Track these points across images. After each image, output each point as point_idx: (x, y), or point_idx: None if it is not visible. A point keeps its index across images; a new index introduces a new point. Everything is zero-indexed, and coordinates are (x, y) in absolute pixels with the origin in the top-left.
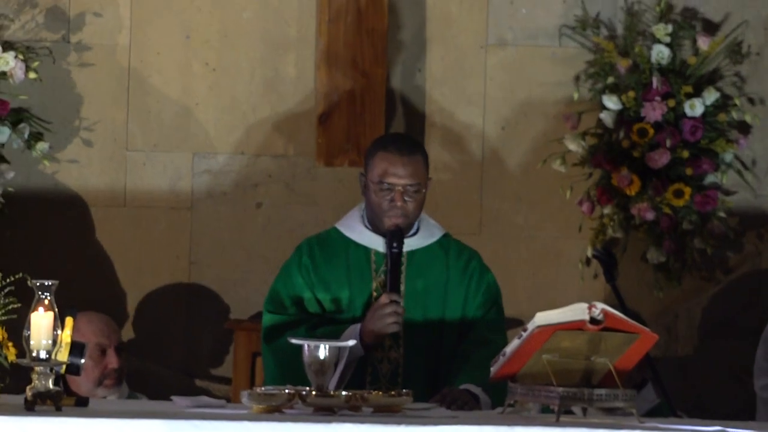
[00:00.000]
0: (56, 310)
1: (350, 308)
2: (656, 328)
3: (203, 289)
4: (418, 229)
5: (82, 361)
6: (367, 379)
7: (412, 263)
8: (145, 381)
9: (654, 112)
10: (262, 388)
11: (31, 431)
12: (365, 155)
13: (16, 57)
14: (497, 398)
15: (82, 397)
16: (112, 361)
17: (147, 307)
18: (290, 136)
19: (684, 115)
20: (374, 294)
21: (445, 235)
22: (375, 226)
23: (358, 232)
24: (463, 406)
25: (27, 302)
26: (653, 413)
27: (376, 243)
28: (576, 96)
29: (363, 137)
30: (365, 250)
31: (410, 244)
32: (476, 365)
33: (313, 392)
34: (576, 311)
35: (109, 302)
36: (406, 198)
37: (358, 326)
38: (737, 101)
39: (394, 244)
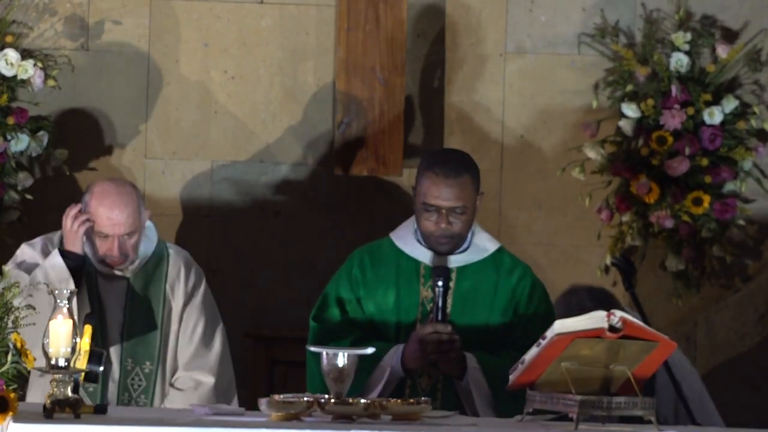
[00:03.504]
0: (75, 318)
1: (396, 317)
2: (675, 336)
3: (222, 296)
4: (469, 245)
5: (101, 368)
6: (406, 392)
7: (462, 279)
8: None
9: (673, 119)
10: (281, 396)
11: None
12: (417, 171)
13: (35, 65)
14: (498, 386)
15: (100, 404)
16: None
17: None
18: (309, 144)
19: (703, 123)
20: (420, 307)
21: (499, 249)
22: (424, 240)
23: (410, 244)
24: (442, 358)
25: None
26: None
27: (426, 256)
28: (595, 104)
29: (382, 145)
30: (415, 262)
31: (460, 260)
32: (498, 353)
33: (332, 400)
34: (595, 319)
35: None
36: (451, 219)
37: (400, 348)
38: (756, 109)
39: (440, 283)
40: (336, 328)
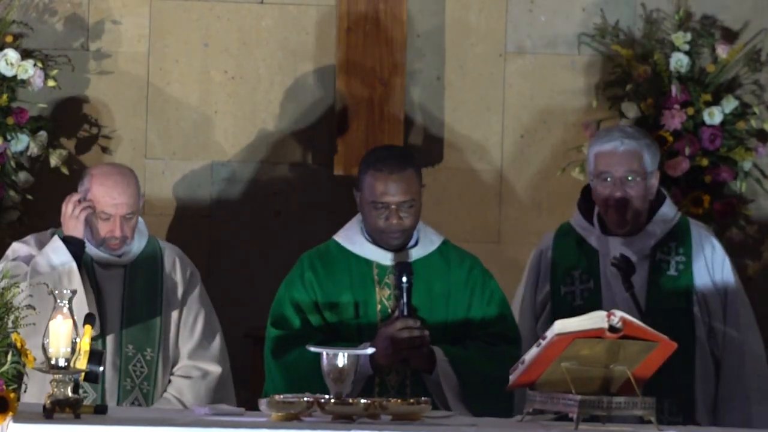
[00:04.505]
0: (75, 318)
1: (355, 319)
2: None
3: (222, 296)
4: (417, 240)
5: (101, 369)
6: (375, 390)
7: (416, 273)
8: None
9: (673, 120)
10: (281, 396)
11: None
12: (358, 172)
13: (35, 65)
14: (470, 380)
15: (100, 405)
16: (115, 229)
17: None
18: (309, 144)
19: (703, 123)
20: (379, 306)
21: (444, 242)
22: (374, 239)
23: (358, 244)
24: (414, 354)
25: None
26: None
27: (377, 255)
28: (595, 104)
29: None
30: (367, 263)
31: (417, 254)
32: (463, 345)
33: (332, 400)
34: (595, 319)
35: None
36: (401, 214)
37: (367, 346)
38: (756, 109)
39: (404, 278)
40: (298, 333)
